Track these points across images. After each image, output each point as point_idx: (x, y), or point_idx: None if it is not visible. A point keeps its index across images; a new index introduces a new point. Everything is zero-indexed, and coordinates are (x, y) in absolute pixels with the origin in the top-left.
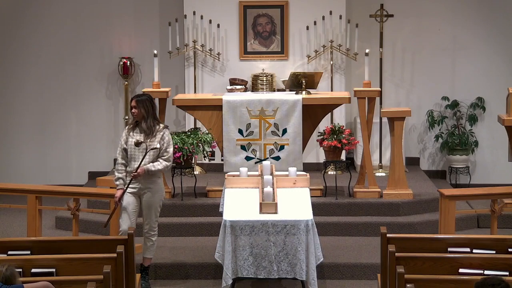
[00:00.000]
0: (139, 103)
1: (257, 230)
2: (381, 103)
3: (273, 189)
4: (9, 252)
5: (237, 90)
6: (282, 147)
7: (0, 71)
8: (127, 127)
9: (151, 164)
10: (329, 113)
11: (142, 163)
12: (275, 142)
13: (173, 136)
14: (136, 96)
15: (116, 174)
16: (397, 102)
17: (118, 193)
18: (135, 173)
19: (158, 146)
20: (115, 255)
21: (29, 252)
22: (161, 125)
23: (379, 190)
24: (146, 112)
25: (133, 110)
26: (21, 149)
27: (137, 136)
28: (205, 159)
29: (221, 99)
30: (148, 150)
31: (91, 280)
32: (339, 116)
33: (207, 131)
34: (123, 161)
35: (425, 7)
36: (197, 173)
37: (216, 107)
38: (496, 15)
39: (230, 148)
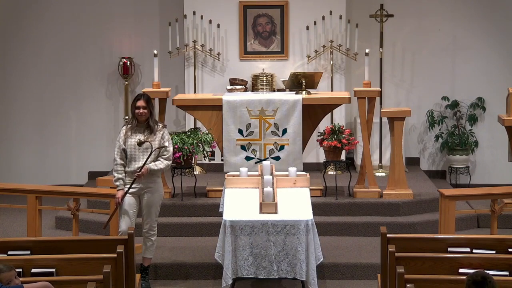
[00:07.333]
0: (149, 102)
1: (257, 230)
2: (381, 103)
3: (273, 189)
4: (9, 252)
5: (237, 90)
6: (282, 147)
7: (1, 71)
8: (124, 127)
9: (152, 163)
10: (329, 113)
11: (147, 162)
12: (275, 142)
13: (173, 136)
14: (141, 96)
15: (116, 174)
16: (397, 102)
17: (119, 194)
18: (139, 173)
19: (166, 144)
20: (115, 255)
21: (29, 252)
22: (160, 125)
23: (379, 190)
24: (152, 111)
25: (141, 111)
26: (21, 149)
27: (138, 136)
28: (205, 159)
29: (221, 99)
30: (154, 149)
31: (91, 280)
32: (339, 116)
33: (207, 131)
34: (122, 162)
35: (425, 7)
36: (197, 173)
37: (216, 107)
38: (496, 15)
39: (230, 148)
